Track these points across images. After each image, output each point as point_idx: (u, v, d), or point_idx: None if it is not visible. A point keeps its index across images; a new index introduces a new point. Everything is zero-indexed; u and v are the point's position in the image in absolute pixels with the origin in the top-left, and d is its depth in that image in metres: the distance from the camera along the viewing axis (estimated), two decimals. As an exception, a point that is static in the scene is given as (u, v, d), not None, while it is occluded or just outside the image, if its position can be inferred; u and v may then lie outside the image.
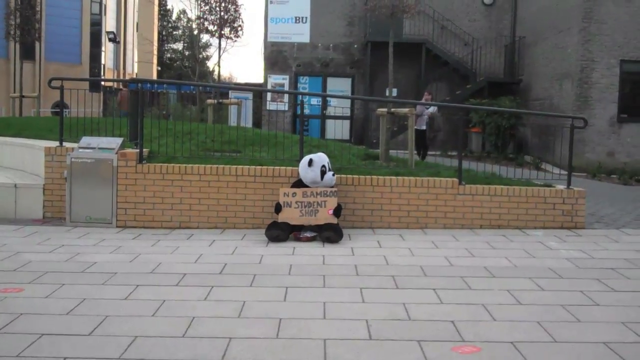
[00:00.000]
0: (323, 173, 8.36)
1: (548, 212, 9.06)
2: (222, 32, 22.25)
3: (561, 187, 9.34)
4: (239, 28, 23.14)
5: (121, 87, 26.83)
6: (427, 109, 16.86)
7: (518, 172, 10.31)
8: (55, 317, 5.04)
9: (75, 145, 9.15)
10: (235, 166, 8.94)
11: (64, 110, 10.79)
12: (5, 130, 12.70)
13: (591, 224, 9.37)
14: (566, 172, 9.70)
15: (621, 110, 18.77)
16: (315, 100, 24.87)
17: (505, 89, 23.44)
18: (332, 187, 8.44)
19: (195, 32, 28.54)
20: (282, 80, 25.45)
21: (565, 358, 4.34)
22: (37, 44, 29.56)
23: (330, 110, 24.20)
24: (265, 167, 8.97)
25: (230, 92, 24.26)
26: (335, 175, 8.54)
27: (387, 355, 4.33)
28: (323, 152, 8.84)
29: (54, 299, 5.52)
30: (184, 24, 55.63)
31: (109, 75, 44.57)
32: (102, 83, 36.99)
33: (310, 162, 8.38)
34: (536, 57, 22.28)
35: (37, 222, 8.97)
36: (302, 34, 25.36)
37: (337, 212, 8.27)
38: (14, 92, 25.78)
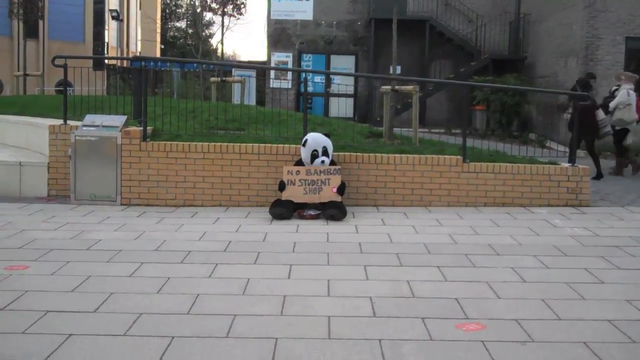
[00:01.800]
0: (314, 157, 8.32)
1: (553, 189, 9.04)
2: (225, 9, 22.16)
3: (566, 164, 9.31)
4: (242, 5, 23.06)
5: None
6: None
7: (522, 149, 10.27)
8: (60, 294, 5.06)
9: (79, 123, 9.14)
10: (239, 144, 8.92)
11: (68, 88, 10.77)
12: (9, 109, 12.69)
13: (596, 202, 9.35)
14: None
15: (627, 87, 18.64)
16: (318, 78, 24.76)
17: (510, 67, 23.31)
18: (336, 165, 8.44)
19: (198, 10, 28.40)
20: (285, 58, 25.34)
21: (570, 335, 4.34)
22: (40, 23, 29.45)
23: (334, 88, 24.10)
24: (269, 145, 8.96)
25: (233, 70, 24.19)
26: (327, 161, 8.36)
27: (391, 332, 4.34)
28: (326, 130, 8.80)
29: (59, 276, 5.54)
30: (187, 2, 55.32)
31: (112, 53, 44.43)
32: (106, 61, 36.88)
33: (305, 143, 8.39)
34: (541, 34, 22.13)
35: (41, 200, 8.98)
36: (305, 11, 25.21)
37: (341, 190, 8.26)
38: (18, 71, 25.71)
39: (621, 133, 12.42)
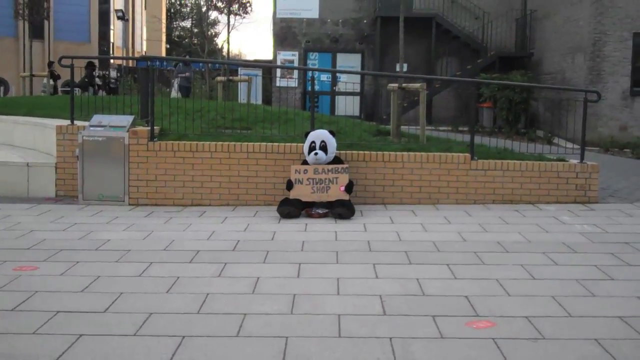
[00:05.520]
0: (311, 149, 8.31)
1: (561, 186, 9.01)
2: (231, 8, 22.14)
3: (574, 161, 9.28)
4: (248, 4, 23.01)
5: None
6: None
7: (530, 146, 10.24)
8: (70, 294, 5.07)
9: (86, 123, 9.15)
10: (246, 143, 8.92)
11: (74, 89, 10.77)
12: (17, 110, 12.72)
13: (604, 199, 9.31)
14: (579, 147, 9.63)
15: (634, 83, 18.60)
16: (325, 77, 24.73)
17: (517, 64, 23.25)
18: (342, 163, 8.44)
19: (204, 9, 28.40)
20: (291, 56, 25.32)
21: (581, 332, 4.33)
22: (46, 23, 29.49)
23: (341, 87, 24.06)
24: (277, 144, 8.95)
25: (239, 69, 24.19)
26: (321, 155, 8.25)
27: (402, 330, 4.33)
28: (333, 129, 8.78)
29: (69, 276, 5.55)
30: (192, 1, 55.38)
31: (117, 53, 44.51)
32: (112, 61, 36.93)
33: (306, 135, 8.53)
34: (547, 31, 22.07)
35: (49, 201, 9.00)
36: (310, 10, 25.18)
37: (349, 188, 8.25)
38: (24, 72, 25.77)
39: None
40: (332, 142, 8.39)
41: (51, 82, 21.20)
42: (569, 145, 11.48)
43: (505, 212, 8.39)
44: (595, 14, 18.41)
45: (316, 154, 8.28)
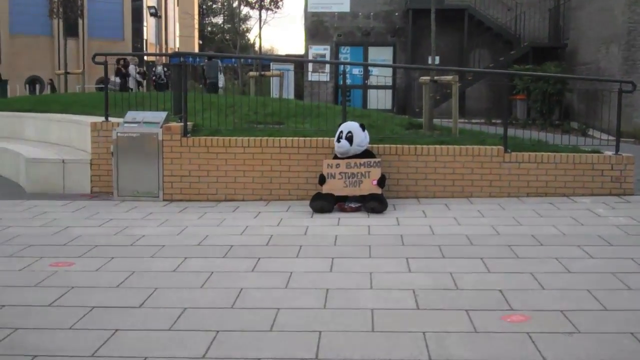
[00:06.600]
0: (339, 139, 8.33)
1: (596, 178, 8.89)
2: (262, 3, 22.22)
3: (609, 153, 9.15)
4: (279, -2, 23.11)
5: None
6: None
7: (564, 138, 10.12)
8: (105, 289, 5.14)
9: (120, 120, 9.25)
10: (279, 138, 8.95)
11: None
12: (52, 107, 12.90)
13: (641, 190, 9.17)
14: (614, 138, 9.49)
15: (670, 73, 18.26)
16: (356, 70, 24.66)
17: (550, 54, 22.95)
18: (373, 156, 8.41)
19: (235, 5, 28.50)
20: (323, 50, 25.30)
21: (617, 326, 4.27)
22: (80, 21, 29.85)
23: (373, 80, 23.97)
24: (309, 138, 8.96)
25: (271, 64, 24.24)
26: (344, 144, 8.24)
27: (435, 325, 4.31)
28: (366, 122, 8.76)
29: (104, 272, 5.62)
30: (223, -3, 55.59)
31: (151, 50, 44.87)
32: (145, 58, 37.26)
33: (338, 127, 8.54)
34: (581, 21, 21.76)
35: (85, 197, 9.12)
36: (342, 3, 25.13)
37: (382, 182, 8.23)
38: (59, 69, 26.12)
39: None
40: (359, 134, 8.32)
41: (117, 79, 21.40)
42: (604, 136, 11.30)
43: (539, 205, 8.30)
44: (629, 2, 18.09)
45: (338, 141, 8.28)
